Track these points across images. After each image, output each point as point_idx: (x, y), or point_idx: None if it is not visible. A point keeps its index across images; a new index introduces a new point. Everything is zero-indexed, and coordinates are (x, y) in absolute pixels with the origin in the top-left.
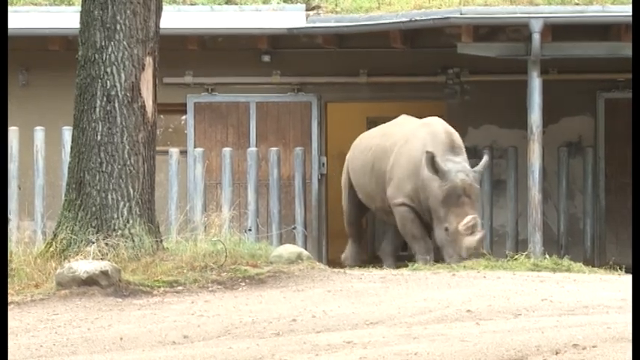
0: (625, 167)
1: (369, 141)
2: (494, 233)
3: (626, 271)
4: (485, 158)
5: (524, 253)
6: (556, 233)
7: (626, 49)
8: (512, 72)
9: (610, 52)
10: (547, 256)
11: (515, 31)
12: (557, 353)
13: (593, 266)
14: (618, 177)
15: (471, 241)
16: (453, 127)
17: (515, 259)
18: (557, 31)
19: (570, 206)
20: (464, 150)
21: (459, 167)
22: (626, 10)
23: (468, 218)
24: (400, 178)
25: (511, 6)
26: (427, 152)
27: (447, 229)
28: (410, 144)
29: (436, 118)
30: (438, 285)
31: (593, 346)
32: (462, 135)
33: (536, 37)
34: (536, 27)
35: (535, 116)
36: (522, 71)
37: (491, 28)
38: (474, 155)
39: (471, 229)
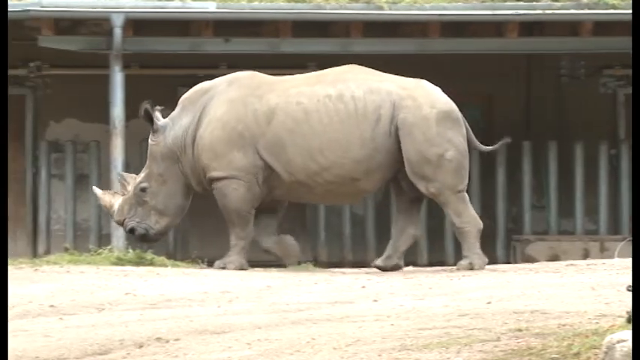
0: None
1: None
2: (77, 227)
3: (209, 264)
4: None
5: (108, 248)
6: None
7: (207, 44)
8: (94, 66)
9: (191, 48)
10: (130, 249)
11: (96, 25)
12: (140, 347)
13: (175, 260)
14: None
15: None
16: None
17: (99, 254)
18: (139, 25)
19: None
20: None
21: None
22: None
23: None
24: None
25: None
26: None
27: None
28: None
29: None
30: (21, 280)
31: (177, 339)
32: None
33: (118, 32)
34: (118, 21)
35: (117, 110)
36: (105, 65)
37: (72, 22)
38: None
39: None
